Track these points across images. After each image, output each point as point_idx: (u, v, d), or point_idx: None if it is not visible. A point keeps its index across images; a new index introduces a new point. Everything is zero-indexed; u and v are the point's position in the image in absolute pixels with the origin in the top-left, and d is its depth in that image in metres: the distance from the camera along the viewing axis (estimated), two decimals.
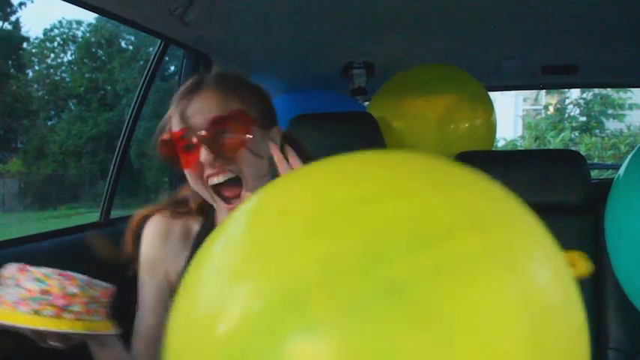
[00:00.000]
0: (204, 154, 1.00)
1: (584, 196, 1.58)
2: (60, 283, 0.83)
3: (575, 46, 2.31)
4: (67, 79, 17.50)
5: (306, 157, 1.08)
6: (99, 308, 0.87)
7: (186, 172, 1.05)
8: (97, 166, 15.30)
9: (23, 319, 0.81)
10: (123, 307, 0.97)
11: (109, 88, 16.69)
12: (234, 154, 1.02)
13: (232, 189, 1.03)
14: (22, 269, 0.84)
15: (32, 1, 17.11)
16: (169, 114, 1.08)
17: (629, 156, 1.36)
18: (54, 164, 16.01)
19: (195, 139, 1.00)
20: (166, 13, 1.60)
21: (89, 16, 18.48)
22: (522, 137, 14.67)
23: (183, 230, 1.15)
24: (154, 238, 1.15)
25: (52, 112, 17.16)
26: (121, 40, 17.17)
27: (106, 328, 0.87)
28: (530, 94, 16.38)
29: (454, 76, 2.38)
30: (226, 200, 1.04)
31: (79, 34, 17.59)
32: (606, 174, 5.72)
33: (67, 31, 17.51)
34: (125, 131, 1.93)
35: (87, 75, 17.00)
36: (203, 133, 1.00)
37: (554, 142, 12.83)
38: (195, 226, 1.15)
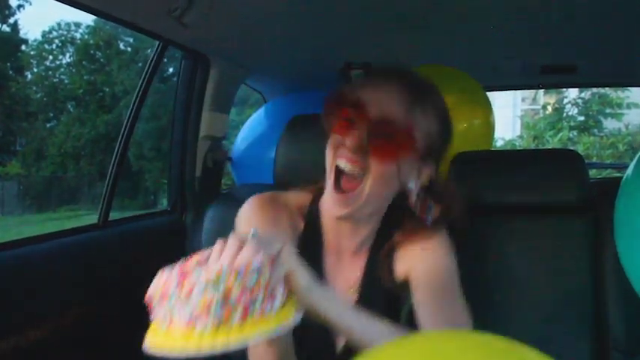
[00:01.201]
0: (357, 136, 0.96)
1: (582, 196, 1.58)
2: (237, 276, 0.69)
3: (573, 45, 2.31)
4: (66, 81, 17.50)
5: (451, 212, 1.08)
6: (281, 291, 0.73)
7: (332, 135, 1.02)
8: (95, 168, 15.29)
9: (206, 339, 0.66)
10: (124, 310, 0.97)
11: (107, 90, 16.69)
12: (381, 160, 0.98)
13: (351, 182, 1.00)
14: (182, 278, 0.70)
15: (30, 3, 17.12)
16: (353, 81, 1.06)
17: (638, 155, 1.36)
18: (53, 166, 16.01)
19: (360, 118, 0.97)
20: (165, 14, 1.60)
21: (88, 18, 18.49)
22: (521, 137, 14.68)
23: (290, 220, 1.10)
24: (264, 219, 1.06)
25: (51, 114, 17.16)
26: (119, 42, 17.17)
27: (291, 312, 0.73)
28: (529, 93, 16.39)
29: (452, 76, 2.38)
30: (338, 187, 1.01)
31: (78, 36, 17.62)
32: (605, 173, 5.73)
33: (65, 33, 17.52)
34: (123, 133, 1.93)
35: (85, 77, 17.00)
36: (372, 118, 0.97)
37: (553, 142, 12.83)
38: (300, 223, 1.12)
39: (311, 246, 1.08)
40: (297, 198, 1.14)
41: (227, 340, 0.65)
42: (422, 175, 1.05)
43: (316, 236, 1.10)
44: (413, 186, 1.04)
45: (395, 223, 1.09)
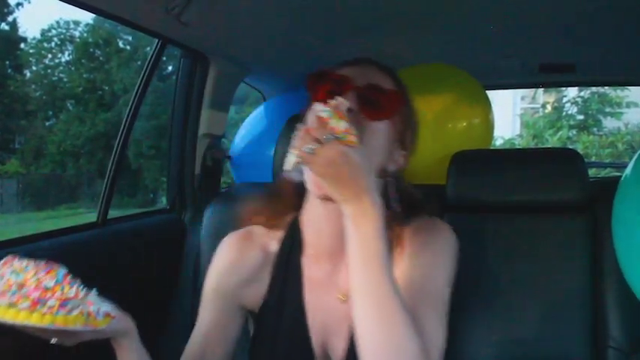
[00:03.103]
0: (344, 99, 0.94)
1: (582, 195, 1.58)
2: (36, 275, 0.83)
3: (573, 44, 2.30)
4: (65, 80, 17.50)
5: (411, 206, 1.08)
6: (75, 304, 0.85)
7: (313, 107, 0.98)
8: (95, 166, 15.29)
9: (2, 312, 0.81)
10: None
11: (106, 88, 16.69)
12: (371, 120, 0.99)
13: None
14: (7, 262, 0.85)
15: (29, 2, 17.11)
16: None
17: (637, 154, 1.36)
18: (52, 164, 16.02)
19: (347, 89, 0.99)
20: (163, 12, 1.60)
21: (87, 17, 18.49)
22: (520, 136, 14.68)
23: (260, 255, 1.12)
24: (226, 266, 1.12)
25: (50, 113, 17.16)
26: (118, 40, 17.16)
27: (87, 323, 0.85)
28: (528, 92, 16.42)
29: (452, 74, 2.38)
30: None
31: (77, 34, 17.61)
32: (604, 172, 5.73)
33: (64, 31, 17.53)
34: (122, 131, 1.92)
35: (85, 75, 17.00)
36: (360, 86, 0.99)
37: (552, 141, 12.83)
38: (274, 245, 1.12)
39: (288, 265, 1.09)
40: (269, 232, 1.14)
41: (13, 319, 0.80)
42: (398, 160, 1.07)
43: (294, 251, 1.10)
44: (392, 168, 1.05)
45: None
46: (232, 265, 1.11)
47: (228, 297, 1.11)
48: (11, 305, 0.81)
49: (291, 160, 0.85)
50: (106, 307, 0.89)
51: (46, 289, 0.82)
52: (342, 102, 0.87)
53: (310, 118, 0.86)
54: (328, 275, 1.08)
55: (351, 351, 0.99)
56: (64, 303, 0.83)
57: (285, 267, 1.09)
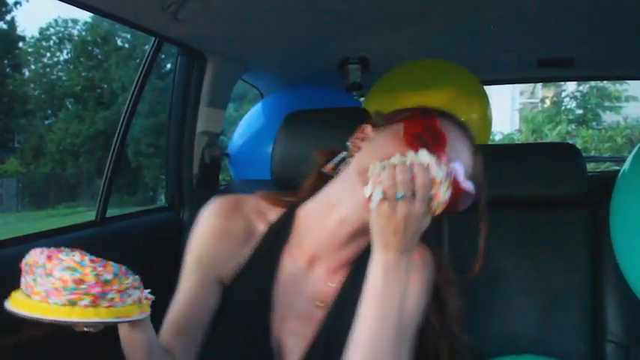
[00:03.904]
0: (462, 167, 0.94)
1: (580, 189, 1.58)
2: (94, 270, 0.80)
3: (571, 39, 2.30)
4: (64, 78, 17.46)
5: None
6: (131, 293, 0.84)
7: (387, 143, 0.99)
8: (94, 165, 15.28)
9: (58, 312, 0.78)
10: None
11: (105, 86, 16.66)
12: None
13: None
14: (51, 257, 0.81)
15: (27, 0, 17.08)
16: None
17: (636, 149, 1.36)
18: (51, 163, 16.00)
19: (435, 150, 0.94)
20: (160, 10, 1.60)
21: (85, 15, 18.47)
22: (519, 131, 14.70)
23: (245, 230, 1.10)
24: (209, 236, 1.09)
25: (49, 112, 17.12)
26: (117, 39, 17.12)
27: (140, 310, 0.85)
28: (527, 87, 16.39)
29: (450, 70, 2.38)
30: None
31: (75, 32, 17.56)
32: (603, 167, 5.73)
33: (62, 29, 17.47)
34: (120, 130, 1.92)
35: (83, 74, 16.96)
36: (445, 156, 0.95)
37: (551, 135, 12.86)
38: (261, 226, 1.10)
39: (271, 248, 1.08)
40: (261, 205, 1.13)
41: (70, 317, 0.78)
42: None
43: (278, 240, 1.09)
44: None
45: None
46: (216, 233, 1.09)
47: (209, 268, 1.08)
48: (71, 303, 0.78)
49: (376, 197, 0.84)
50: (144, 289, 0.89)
51: (106, 283, 0.80)
52: (458, 170, 0.86)
53: (418, 169, 0.84)
54: (301, 274, 1.07)
55: (311, 355, 1.02)
56: (122, 294, 0.82)
57: (266, 252, 1.08)
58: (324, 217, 1.04)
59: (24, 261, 0.84)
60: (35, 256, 0.83)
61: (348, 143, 1.10)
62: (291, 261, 1.08)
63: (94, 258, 0.83)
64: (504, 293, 1.55)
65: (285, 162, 1.54)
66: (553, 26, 2.11)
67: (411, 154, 0.89)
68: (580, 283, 1.53)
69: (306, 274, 1.07)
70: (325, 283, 1.07)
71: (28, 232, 1.55)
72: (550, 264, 1.55)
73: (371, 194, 0.86)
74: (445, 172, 0.85)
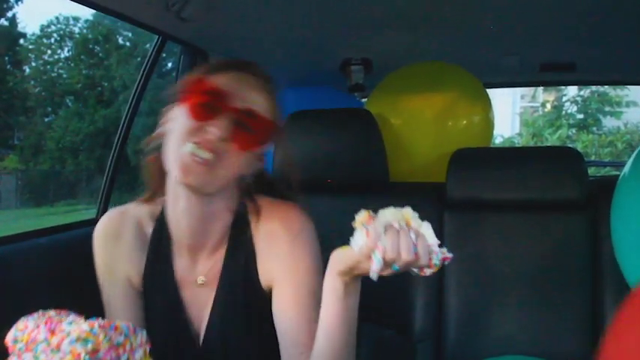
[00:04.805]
0: (220, 126, 0.95)
1: (581, 193, 1.59)
2: (106, 336, 0.77)
3: (573, 43, 2.30)
4: (64, 76, 17.46)
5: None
6: (138, 349, 0.83)
7: (179, 120, 0.99)
8: (94, 163, 15.27)
9: None
10: None
11: (106, 84, 16.66)
12: (242, 150, 0.99)
13: (201, 166, 0.97)
14: (54, 330, 0.77)
15: None
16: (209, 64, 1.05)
17: (635, 153, 1.36)
18: (51, 161, 16.00)
19: (222, 107, 0.97)
20: (163, 8, 1.60)
21: (86, 12, 18.42)
22: (520, 134, 14.70)
23: (136, 229, 1.12)
24: (106, 238, 1.12)
25: (49, 109, 17.13)
26: (118, 37, 17.13)
27: None
28: (528, 91, 16.40)
29: (452, 73, 2.38)
30: (188, 172, 0.98)
31: (76, 30, 17.56)
32: (603, 171, 5.74)
33: (64, 27, 17.48)
34: (122, 128, 1.92)
35: (84, 71, 16.97)
36: (236, 107, 0.98)
37: (552, 140, 12.85)
38: (149, 228, 1.12)
39: (159, 248, 1.10)
40: (149, 207, 1.14)
41: None
42: (258, 164, 1.08)
43: (163, 238, 1.10)
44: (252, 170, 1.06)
45: (248, 211, 1.09)
46: (109, 239, 1.12)
47: (114, 271, 1.11)
48: None
49: (376, 267, 0.80)
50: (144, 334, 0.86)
51: (118, 346, 0.78)
52: (445, 254, 0.82)
53: (422, 245, 0.80)
54: (188, 267, 1.09)
55: (208, 339, 1.06)
56: (133, 353, 0.80)
57: (157, 255, 1.10)
58: (175, 209, 1.06)
59: (11, 338, 0.79)
60: (30, 332, 0.78)
61: (160, 128, 1.09)
62: (180, 258, 1.10)
63: (102, 322, 0.79)
64: (504, 294, 1.55)
65: (286, 161, 1.54)
66: (556, 31, 2.11)
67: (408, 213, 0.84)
68: (580, 284, 1.54)
69: (188, 263, 1.09)
70: (207, 265, 1.08)
71: (27, 229, 1.55)
72: (550, 266, 1.56)
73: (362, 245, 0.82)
74: (444, 253, 0.82)
